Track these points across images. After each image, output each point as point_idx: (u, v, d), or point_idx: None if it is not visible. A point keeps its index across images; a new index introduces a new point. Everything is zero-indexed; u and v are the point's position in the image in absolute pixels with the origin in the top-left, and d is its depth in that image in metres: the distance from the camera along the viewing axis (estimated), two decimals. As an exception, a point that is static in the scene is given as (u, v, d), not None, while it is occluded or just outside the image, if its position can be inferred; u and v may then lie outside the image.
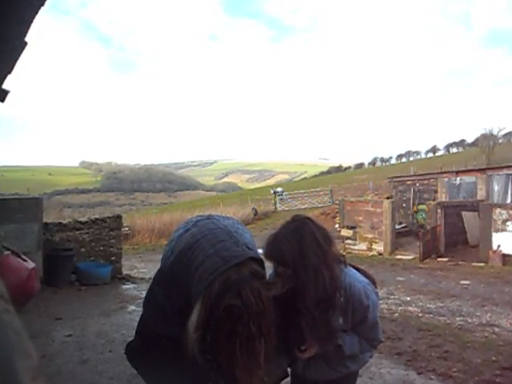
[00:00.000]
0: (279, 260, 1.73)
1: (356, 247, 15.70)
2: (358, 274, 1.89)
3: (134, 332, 2.06)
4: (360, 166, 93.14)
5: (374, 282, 1.93)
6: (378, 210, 15.28)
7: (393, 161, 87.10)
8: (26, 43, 2.64)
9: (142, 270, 11.02)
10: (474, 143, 58.97)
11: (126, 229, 17.45)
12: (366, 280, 1.87)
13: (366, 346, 1.86)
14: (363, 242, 15.62)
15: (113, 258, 8.66)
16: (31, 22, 2.39)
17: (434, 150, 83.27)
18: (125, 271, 9.22)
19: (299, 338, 1.74)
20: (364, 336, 1.84)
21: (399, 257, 14.36)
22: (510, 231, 12.39)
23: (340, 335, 1.78)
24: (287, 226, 1.79)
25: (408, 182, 20.50)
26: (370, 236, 15.47)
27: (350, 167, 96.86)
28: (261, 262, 1.69)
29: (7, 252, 6.13)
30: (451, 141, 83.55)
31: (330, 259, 1.74)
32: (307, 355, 1.77)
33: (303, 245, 1.70)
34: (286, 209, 28.74)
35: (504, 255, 12.12)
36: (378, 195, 23.85)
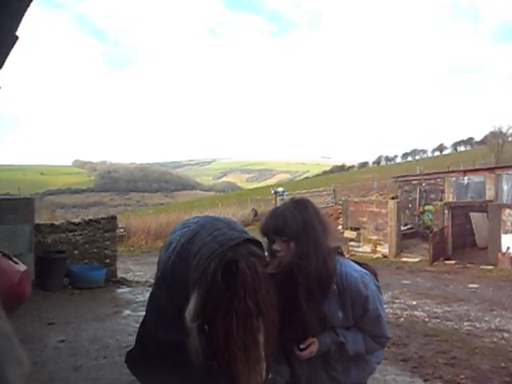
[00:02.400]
0: (280, 230, 1.73)
1: (360, 249, 15.70)
2: (355, 264, 1.86)
3: (135, 340, 2.07)
4: (364, 165, 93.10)
5: (374, 274, 1.89)
6: (383, 210, 15.29)
7: (398, 160, 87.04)
8: (17, 37, 2.64)
9: (137, 273, 11.03)
10: (483, 141, 58.97)
11: (121, 230, 17.46)
12: (363, 270, 1.83)
13: (372, 344, 1.80)
14: (367, 243, 15.63)
15: (107, 261, 8.67)
16: (22, 15, 2.39)
17: (440, 148, 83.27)
18: (120, 274, 9.23)
19: (298, 334, 1.72)
20: (369, 332, 1.79)
21: (405, 259, 14.36)
22: (519, 233, 12.39)
23: (341, 332, 1.76)
24: (288, 202, 1.87)
25: (414, 182, 20.51)
26: (374, 238, 15.48)
27: (353, 166, 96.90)
28: (259, 244, 1.73)
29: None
30: (459, 139, 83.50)
31: (328, 238, 1.77)
32: (308, 354, 1.74)
33: (307, 215, 1.74)
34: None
35: (514, 258, 12.12)
36: (382, 195, 23.86)
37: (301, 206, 1.79)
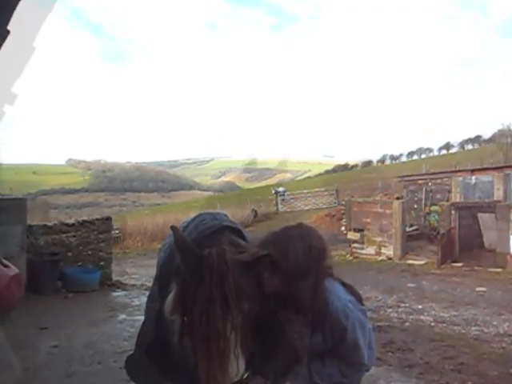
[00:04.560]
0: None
1: (364, 251, 15.70)
2: (342, 289, 1.85)
3: (135, 344, 2.08)
4: (368, 164, 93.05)
5: (360, 300, 1.90)
6: (388, 211, 15.29)
7: (403, 158, 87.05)
8: (8, 32, 2.63)
9: (133, 276, 11.02)
10: (491, 140, 58.96)
11: (117, 232, 17.46)
12: (348, 297, 1.83)
13: (348, 371, 1.81)
14: (371, 245, 15.62)
15: (102, 263, 8.67)
16: (14, 8, 2.38)
17: (447, 146, 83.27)
18: (115, 277, 9.23)
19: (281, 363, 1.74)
20: (345, 359, 1.80)
21: (410, 262, 14.36)
22: (529, 234, 12.39)
23: (316, 371, 1.77)
24: (294, 231, 1.80)
25: (419, 182, 20.52)
26: (378, 239, 15.47)
27: (357, 165, 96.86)
28: (239, 232, 1.76)
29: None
30: (466, 137, 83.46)
31: (324, 275, 1.78)
32: None
33: (311, 258, 1.72)
34: (289, 210, 28.78)
35: (523, 260, 12.13)
36: (387, 195, 23.86)
37: (307, 242, 1.75)
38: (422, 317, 7.21)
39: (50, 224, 8.42)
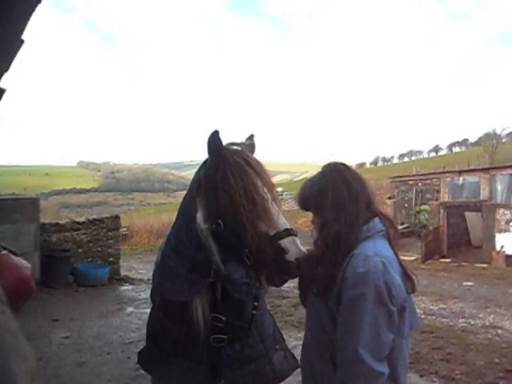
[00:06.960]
0: (300, 203, 1.64)
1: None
2: None
3: (145, 338, 2.02)
4: (362, 165, 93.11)
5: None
6: (380, 210, 15.29)
7: (395, 160, 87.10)
8: (22, 41, 2.62)
9: (140, 271, 11.00)
10: (477, 143, 59.06)
11: (124, 229, 17.43)
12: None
13: (346, 375, 1.47)
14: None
15: (111, 259, 8.66)
16: (28, 19, 2.37)
17: (436, 149, 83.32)
18: (123, 272, 9.22)
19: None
20: (341, 371, 1.48)
21: (401, 258, 14.36)
22: (513, 232, 12.39)
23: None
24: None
25: (410, 182, 20.52)
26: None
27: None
28: None
29: (4, 251, 6.14)
30: (454, 140, 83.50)
31: (360, 198, 1.56)
32: None
33: (323, 180, 1.59)
34: (287, 209, 28.73)
35: (507, 256, 12.13)
36: (379, 195, 23.86)
37: (321, 173, 1.64)
38: (412, 310, 7.20)
39: (61, 222, 8.42)
